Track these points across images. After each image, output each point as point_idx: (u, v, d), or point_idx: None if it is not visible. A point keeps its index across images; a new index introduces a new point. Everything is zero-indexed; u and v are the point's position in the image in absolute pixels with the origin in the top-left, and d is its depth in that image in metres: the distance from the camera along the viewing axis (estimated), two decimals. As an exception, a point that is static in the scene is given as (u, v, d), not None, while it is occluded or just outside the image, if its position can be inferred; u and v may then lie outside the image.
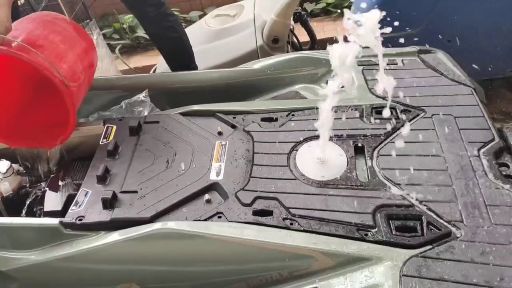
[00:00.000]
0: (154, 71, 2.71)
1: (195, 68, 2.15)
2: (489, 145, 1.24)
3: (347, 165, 1.26)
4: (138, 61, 3.61)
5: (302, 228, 1.09)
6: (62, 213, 1.27)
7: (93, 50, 1.59)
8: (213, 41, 2.50)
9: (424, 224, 1.06)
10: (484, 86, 1.50)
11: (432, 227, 1.05)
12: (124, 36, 3.72)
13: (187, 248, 1.13)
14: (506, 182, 1.13)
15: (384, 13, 1.03)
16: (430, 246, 1.02)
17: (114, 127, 1.48)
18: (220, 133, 1.41)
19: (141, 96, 1.69)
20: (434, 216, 1.08)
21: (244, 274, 1.09)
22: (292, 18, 2.29)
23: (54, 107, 1.40)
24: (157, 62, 2.76)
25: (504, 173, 1.16)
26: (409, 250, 1.01)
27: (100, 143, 1.43)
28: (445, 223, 1.06)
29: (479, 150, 1.23)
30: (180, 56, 2.11)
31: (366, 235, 1.06)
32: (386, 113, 1.18)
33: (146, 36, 3.52)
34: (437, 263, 0.97)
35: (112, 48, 3.36)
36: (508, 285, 0.92)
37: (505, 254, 0.97)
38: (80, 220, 1.17)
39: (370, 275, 1.00)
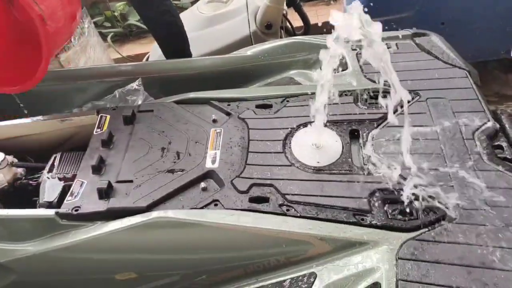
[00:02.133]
0: (147, 59, 2.69)
1: (189, 55, 2.14)
2: (484, 127, 1.24)
3: (342, 150, 1.26)
4: (131, 49, 3.56)
5: (298, 214, 1.10)
6: (58, 204, 1.27)
7: (78, 4, 1.54)
8: (206, 27, 2.48)
9: (420, 207, 1.07)
10: (478, 69, 1.50)
11: (428, 210, 1.06)
12: (115, 24, 3.67)
13: (184, 236, 1.13)
14: (501, 164, 1.14)
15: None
16: (426, 229, 1.02)
17: (108, 116, 1.47)
18: (214, 121, 1.40)
19: (135, 84, 1.68)
20: (430, 199, 1.08)
21: (241, 260, 1.10)
22: (285, 3, 2.27)
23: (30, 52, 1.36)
24: (150, 50, 2.73)
25: (499, 155, 1.17)
26: (405, 234, 1.02)
27: (94, 133, 1.42)
28: (441, 206, 1.06)
29: (473, 132, 1.23)
30: (176, 40, 2.10)
31: (362, 219, 1.07)
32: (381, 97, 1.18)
33: (138, 24, 3.48)
34: (433, 246, 0.98)
35: (103, 36, 3.31)
36: (502, 267, 0.93)
37: (500, 236, 0.98)
38: (76, 210, 1.17)
39: (366, 259, 1.01)
